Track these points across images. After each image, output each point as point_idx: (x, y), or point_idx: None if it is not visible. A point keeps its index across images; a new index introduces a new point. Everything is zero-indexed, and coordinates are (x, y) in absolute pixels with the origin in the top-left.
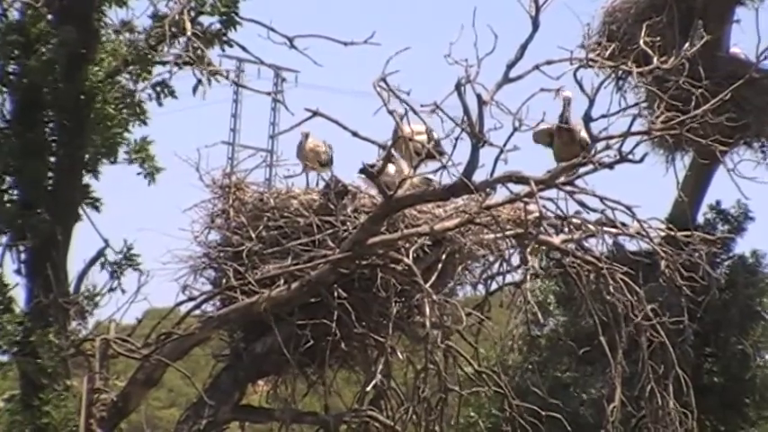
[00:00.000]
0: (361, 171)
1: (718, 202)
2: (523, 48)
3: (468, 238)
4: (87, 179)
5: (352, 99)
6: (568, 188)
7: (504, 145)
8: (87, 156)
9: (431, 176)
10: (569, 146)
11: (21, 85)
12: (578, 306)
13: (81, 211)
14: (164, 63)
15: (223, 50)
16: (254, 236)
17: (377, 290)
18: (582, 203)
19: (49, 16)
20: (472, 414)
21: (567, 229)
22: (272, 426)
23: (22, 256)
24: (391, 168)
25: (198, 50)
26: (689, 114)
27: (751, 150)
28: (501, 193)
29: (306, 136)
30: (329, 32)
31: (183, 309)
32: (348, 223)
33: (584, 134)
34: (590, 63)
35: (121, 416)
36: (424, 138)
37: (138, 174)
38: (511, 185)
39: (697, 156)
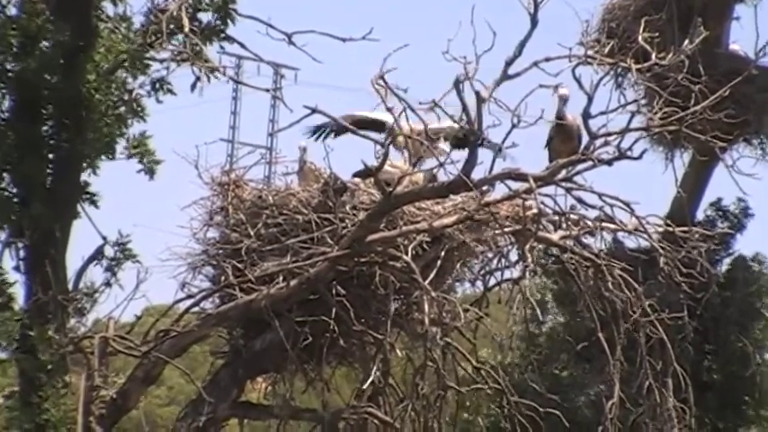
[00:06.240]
0: (357, 174)
1: (719, 200)
2: (522, 45)
3: (466, 235)
4: (85, 176)
5: (352, 96)
6: (567, 185)
7: (503, 142)
8: (85, 152)
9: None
10: (567, 142)
11: (19, 82)
12: (577, 303)
13: (79, 209)
14: (161, 61)
15: (222, 48)
16: (252, 233)
17: (375, 287)
18: (580, 200)
19: (47, 12)
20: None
21: (565, 226)
22: (271, 422)
23: (21, 253)
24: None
25: (196, 47)
26: (688, 111)
27: (750, 147)
28: (499, 190)
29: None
30: (328, 29)
31: (182, 306)
32: (347, 220)
33: (578, 121)
34: (589, 60)
35: (120, 413)
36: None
37: (139, 171)
38: (510, 182)
39: (696, 152)
